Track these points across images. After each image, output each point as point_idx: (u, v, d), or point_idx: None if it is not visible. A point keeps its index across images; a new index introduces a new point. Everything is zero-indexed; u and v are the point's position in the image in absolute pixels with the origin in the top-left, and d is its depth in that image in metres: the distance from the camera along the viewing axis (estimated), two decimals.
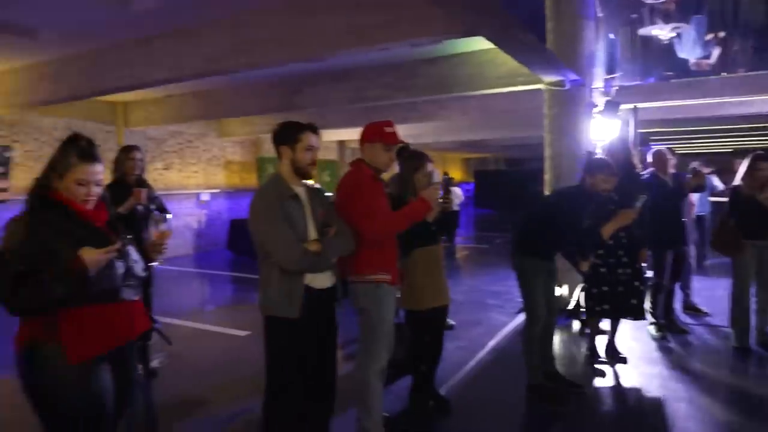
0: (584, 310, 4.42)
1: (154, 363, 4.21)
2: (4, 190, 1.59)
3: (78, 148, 1.93)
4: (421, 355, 3.52)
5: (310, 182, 2.69)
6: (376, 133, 2.86)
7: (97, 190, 1.97)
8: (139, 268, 2.07)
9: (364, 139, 2.91)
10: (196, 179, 11.77)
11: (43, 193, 1.91)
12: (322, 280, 2.55)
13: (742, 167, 4.51)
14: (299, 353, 2.52)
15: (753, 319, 4.52)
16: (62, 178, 1.91)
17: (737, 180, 4.55)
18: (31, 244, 1.79)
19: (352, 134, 12.71)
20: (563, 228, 3.60)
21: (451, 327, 5.11)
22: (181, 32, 5.22)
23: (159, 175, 10.60)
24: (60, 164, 1.92)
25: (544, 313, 3.59)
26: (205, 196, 11.85)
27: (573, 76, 5.35)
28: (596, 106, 5.84)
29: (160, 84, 5.90)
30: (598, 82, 6.11)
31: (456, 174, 23.21)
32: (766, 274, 4.43)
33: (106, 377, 1.93)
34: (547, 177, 5.84)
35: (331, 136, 13.55)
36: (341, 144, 15.65)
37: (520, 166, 26.30)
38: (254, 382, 4.03)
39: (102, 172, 1.99)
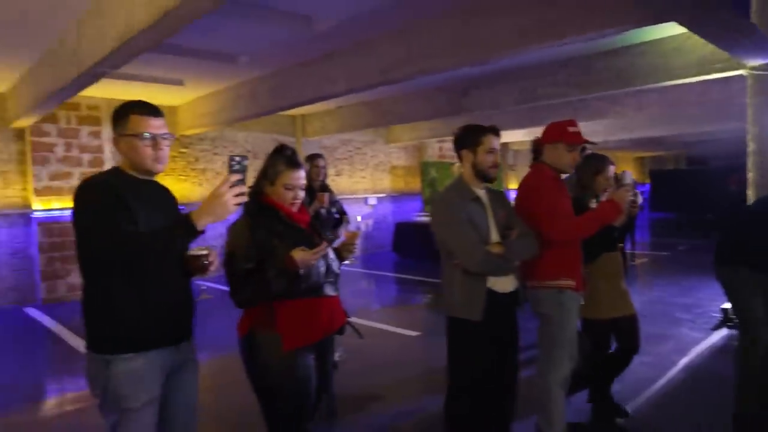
0: None
1: (335, 356, 4.51)
2: (242, 194, 1.86)
3: (285, 157, 2.15)
4: (599, 367, 3.29)
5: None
6: (559, 133, 2.74)
7: (301, 194, 2.17)
8: (336, 266, 2.24)
9: (545, 139, 2.80)
10: (364, 184, 12.45)
11: (258, 199, 2.15)
12: (504, 284, 2.51)
13: None
14: (480, 355, 2.51)
15: None
16: (273, 183, 2.14)
17: None
18: (253, 245, 2.02)
19: (515, 136, 12.39)
20: None
21: None
22: (357, 45, 5.54)
23: (331, 181, 11.25)
24: (270, 171, 2.15)
25: (765, 333, 3.09)
26: (372, 200, 12.50)
27: None
28: None
29: (338, 96, 6.32)
30: None
31: None
32: None
33: (311, 366, 2.12)
34: (750, 176, 5.09)
35: None
36: (503, 146, 15.36)
37: (705, 165, 23.35)
38: (423, 382, 4.13)
39: (304, 178, 2.19)
